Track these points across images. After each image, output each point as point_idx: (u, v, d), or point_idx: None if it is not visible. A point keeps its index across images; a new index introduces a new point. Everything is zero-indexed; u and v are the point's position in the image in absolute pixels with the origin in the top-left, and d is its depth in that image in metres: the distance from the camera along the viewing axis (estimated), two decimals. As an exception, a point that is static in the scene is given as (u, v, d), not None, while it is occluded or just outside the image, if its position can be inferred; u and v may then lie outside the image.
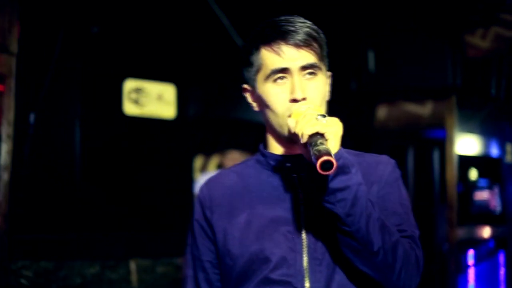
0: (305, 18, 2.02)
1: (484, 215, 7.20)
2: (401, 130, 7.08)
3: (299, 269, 1.94)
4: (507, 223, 7.50)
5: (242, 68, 2.07)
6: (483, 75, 6.83)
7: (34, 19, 4.39)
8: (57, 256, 4.39)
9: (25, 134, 4.25)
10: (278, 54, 1.96)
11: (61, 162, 4.55)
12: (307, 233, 1.96)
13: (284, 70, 1.96)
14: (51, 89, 4.40)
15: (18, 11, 3.92)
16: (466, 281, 6.81)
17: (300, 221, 1.97)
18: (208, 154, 7.44)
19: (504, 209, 7.48)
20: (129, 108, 4.84)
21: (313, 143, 1.78)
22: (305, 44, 1.96)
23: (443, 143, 6.73)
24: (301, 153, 1.87)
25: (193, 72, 5.41)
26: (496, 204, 7.34)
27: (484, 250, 7.20)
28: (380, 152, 2.18)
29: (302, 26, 1.98)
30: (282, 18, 2.00)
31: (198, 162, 7.26)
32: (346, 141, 1.97)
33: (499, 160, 7.65)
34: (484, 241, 7.20)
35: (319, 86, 1.99)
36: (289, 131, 1.90)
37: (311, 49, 1.97)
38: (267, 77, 1.98)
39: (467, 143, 7.02)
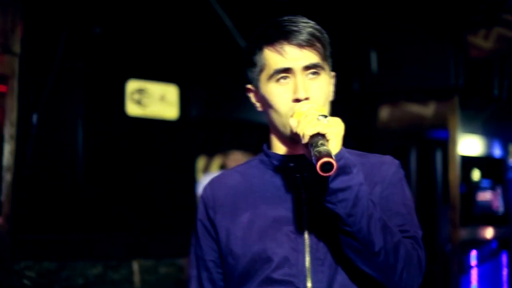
0: (308, 19, 2.02)
1: (486, 215, 7.19)
2: (403, 131, 7.07)
3: (301, 269, 1.94)
4: (510, 224, 7.49)
5: (246, 68, 2.08)
6: (486, 75, 6.82)
7: (37, 20, 4.40)
8: (59, 256, 4.40)
9: (27, 134, 4.25)
10: (281, 54, 1.96)
11: (63, 162, 4.55)
12: (309, 233, 1.96)
13: (287, 70, 1.96)
14: (54, 89, 4.41)
15: (21, 11, 3.93)
16: (469, 282, 6.80)
17: (303, 221, 1.97)
18: (210, 155, 7.45)
19: (507, 209, 7.47)
20: (132, 109, 4.85)
21: (313, 144, 1.78)
22: (308, 44, 1.96)
23: (445, 144, 6.72)
24: (304, 153, 1.87)
25: (196, 73, 5.41)
26: (498, 204, 7.34)
27: (487, 250, 7.19)
28: (382, 152, 2.18)
29: (305, 26, 1.98)
30: (286, 18, 2.00)
31: (200, 162, 7.26)
32: (348, 142, 1.97)
33: (502, 161, 7.65)
34: (487, 241, 7.19)
35: (322, 86, 1.99)
36: (292, 131, 1.91)
37: (314, 49, 1.97)
38: (270, 77, 1.98)
39: (469, 144, 7.01)
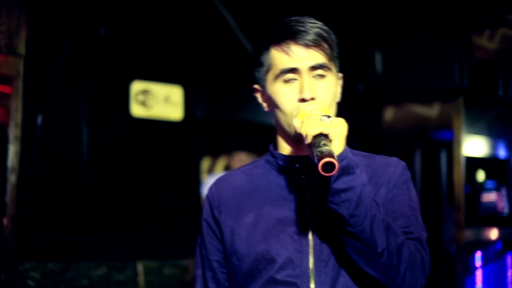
0: (315, 19, 2.02)
1: (491, 216, 7.19)
2: (408, 132, 7.07)
3: (304, 270, 1.94)
4: (515, 225, 7.48)
5: (253, 68, 2.07)
6: (491, 76, 6.81)
7: (42, 21, 4.40)
8: (64, 257, 4.40)
9: (32, 136, 4.26)
10: (287, 54, 1.96)
11: (68, 164, 4.55)
12: (313, 234, 1.96)
13: (293, 70, 1.96)
14: (59, 91, 4.41)
15: (26, 13, 3.93)
16: (473, 283, 6.80)
17: (307, 222, 1.97)
18: (215, 156, 7.45)
19: (512, 210, 7.46)
20: (136, 110, 4.85)
21: (316, 144, 1.78)
22: (314, 44, 1.96)
23: (450, 145, 6.72)
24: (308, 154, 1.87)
25: (200, 74, 5.42)
26: (503, 205, 7.33)
27: (492, 251, 7.18)
28: (387, 153, 2.18)
29: (312, 26, 1.98)
30: (293, 18, 2.00)
31: (205, 163, 7.27)
32: (353, 142, 1.97)
33: (506, 162, 7.64)
34: (492, 242, 7.18)
35: (329, 87, 1.98)
36: (296, 131, 1.90)
37: (321, 49, 1.97)
38: (277, 77, 1.98)
39: (474, 145, 7.01)
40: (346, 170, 1.82)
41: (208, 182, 6.12)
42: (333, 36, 2.02)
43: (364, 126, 7.00)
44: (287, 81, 1.97)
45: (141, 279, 4.72)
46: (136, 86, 4.86)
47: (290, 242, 1.96)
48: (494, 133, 7.38)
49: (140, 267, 4.73)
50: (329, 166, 1.73)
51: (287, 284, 1.94)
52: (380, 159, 2.08)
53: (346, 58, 2.07)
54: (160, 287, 4.84)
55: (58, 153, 4.51)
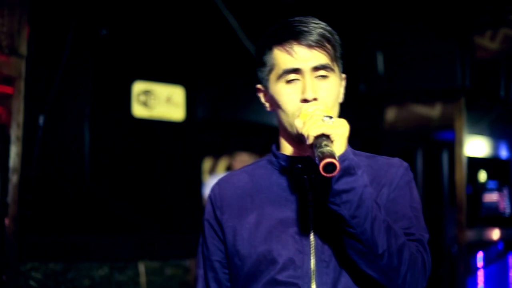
0: (318, 20, 2.02)
1: (493, 217, 7.18)
2: (410, 132, 7.06)
3: (306, 271, 1.94)
4: (517, 225, 7.47)
5: (256, 68, 2.07)
6: (492, 76, 6.81)
7: (44, 22, 4.41)
8: (65, 258, 4.40)
9: (34, 136, 4.26)
10: (290, 54, 1.96)
11: (70, 164, 4.56)
12: (315, 235, 1.96)
13: (296, 71, 1.96)
14: (60, 91, 4.41)
15: (28, 13, 3.93)
16: (475, 284, 6.79)
17: (308, 223, 1.97)
18: (217, 156, 7.45)
19: (514, 211, 7.46)
20: (138, 110, 4.85)
21: (317, 145, 1.77)
22: (317, 44, 1.95)
23: (452, 145, 6.71)
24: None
25: (202, 74, 5.42)
26: (505, 206, 7.32)
27: (494, 252, 7.18)
28: (388, 153, 2.18)
29: (316, 27, 1.97)
30: (296, 19, 2.00)
31: (207, 164, 7.26)
32: (354, 143, 1.97)
33: (508, 162, 7.63)
34: (493, 243, 7.17)
35: (331, 87, 1.98)
36: (298, 131, 1.90)
37: (324, 50, 1.97)
38: (279, 77, 1.98)
39: (476, 145, 7.00)
40: (347, 171, 1.81)
41: (209, 183, 6.12)
42: (336, 37, 2.02)
43: (366, 127, 6.99)
44: (289, 81, 1.97)
45: (142, 279, 4.72)
46: (138, 87, 4.86)
47: (291, 243, 1.96)
48: (496, 133, 7.37)
49: (141, 268, 4.73)
50: (330, 167, 1.73)
51: (288, 284, 1.94)
52: (383, 159, 2.08)
53: (348, 58, 2.07)
54: (162, 287, 4.84)
55: (60, 154, 4.51)
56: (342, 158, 1.80)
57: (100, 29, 4.68)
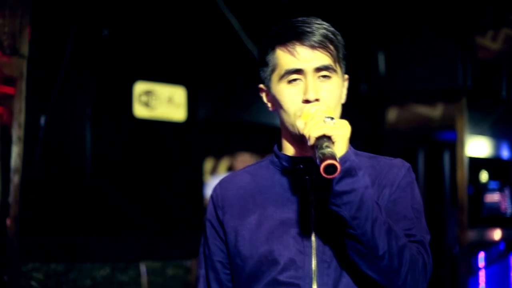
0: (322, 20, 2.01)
1: (494, 217, 7.18)
2: (411, 132, 7.07)
3: (307, 272, 1.94)
4: (518, 226, 7.47)
5: (258, 68, 2.07)
6: (494, 76, 6.81)
7: (45, 22, 4.41)
8: (67, 258, 4.41)
9: (35, 136, 4.26)
10: (292, 54, 1.96)
11: (71, 164, 4.56)
12: (316, 235, 1.96)
13: (298, 71, 1.96)
14: (62, 91, 4.42)
15: (29, 14, 3.93)
16: (477, 284, 6.79)
17: (310, 224, 1.97)
18: (218, 157, 7.46)
19: (515, 211, 7.46)
20: (140, 111, 4.85)
21: (318, 146, 1.77)
22: (320, 45, 1.95)
23: (453, 145, 6.72)
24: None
25: (203, 75, 5.42)
26: (506, 206, 7.32)
27: (495, 252, 7.18)
28: (390, 154, 2.18)
29: (319, 27, 1.97)
30: (299, 19, 2.00)
31: (208, 164, 7.27)
32: (356, 143, 1.96)
33: (509, 162, 7.63)
34: (495, 243, 7.17)
35: (333, 88, 1.98)
36: (299, 132, 1.90)
37: (327, 51, 1.96)
38: (281, 77, 1.98)
39: (477, 145, 7.01)
40: (348, 172, 1.81)
41: (211, 183, 6.12)
42: (339, 38, 2.02)
43: (367, 127, 6.99)
44: (291, 82, 1.97)
45: (144, 279, 4.73)
46: (139, 87, 4.86)
47: (292, 244, 1.96)
48: (497, 133, 7.38)
49: (143, 268, 4.74)
50: (330, 169, 1.72)
51: (289, 285, 1.94)
52: (385, 160, 2.07)
53: (349, 59, 2.07)
54: (163, 287, 4.84)
55: (61, 154, 4.51)
56: (343, 159, 1.80)
57: (101, 29, 4.69)
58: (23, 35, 3.90)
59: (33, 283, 4.21)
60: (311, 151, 1.84)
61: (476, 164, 7.01)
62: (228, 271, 2.09)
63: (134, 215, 4.79)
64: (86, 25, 4.60)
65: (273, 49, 2.01)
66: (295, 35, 1.96)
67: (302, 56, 1.95)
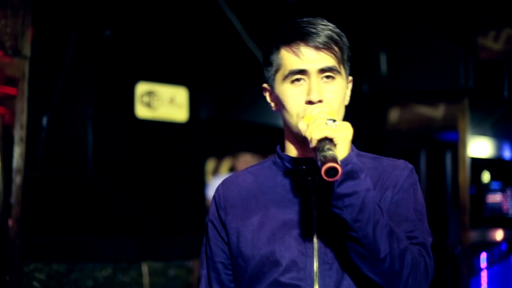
0: (327, 21, 2.01)
1: (496, 218, 7.18)
2: (413, 133, 7.06)
3: (309, 273, 1.94)
4: (520, 226, 7.47)
5: (263, 67, 2.07)
6: (496, 77, 6.81)
7: (47, 23, 4.41)
8: (69, 258, 4.41)
9: (37, 137, 4.27)
10: (297, 55, 1.96)
11: (73, 165, 4.56)
12: (318, 237, 1.95)
13: (302, 72, 1.95)
14: (64, 92, 4.42)
15: (31, 14, 3.94)
16: (479, 284, 6.79)
17: (312, 225, 1.97)
18: (220, 157, 7.46)
19: (517, 211, 7.45)
20: (141, 111, 4.85)
21: (320, 148, 1.77)
22: (325, 46, 1.95)
23: (455, 146, 6.72)
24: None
25: (205, 75, 5.42)
26: (508, 206, 7.32)
27: (497, 253, 7.17)
28: (392, 154, 2.18)
29: (324, 28, 1.97)
30: (305, 19, 1.99)
31: (210, 165, 7.27)
32: (358, 144, 1.96)
33: (511, 163, 7.63)
34: (497, 244, 7.17)
35: (337, 90, 1.98)
36: (301, 134, 1.90)
37: (331, 52, 1.96)
38: (285, 77, 1.98)
39: (479, 146, 7.00)
40: (350, 175, 1.81)
41: (213, 183, 6.13)
42: (344, 39, 2.01)
43: (369, 127, 6.99)
44: (295, 82, 1.97)
45: (145, 280, 4.73)
46: (141, 88, 4.86)
47: (294, 245, 1.95)
48: (499, 134, 7.37)
49: (145, 268, 4.74)
50: (332, 171, 1.72)
51: (291, 286, 1.93)
52: (387, 161, 2.07)
53: (351, 59, 2.07)
54: (165, 288, 4.85)
55: (63, 154, 4.52)
56: (345, 162, 1.80)
57: (103, 30, 4.69)
58: (25, 35, 3.90)
59: (35, 283, 4.22)
60: (313, 153, 1.83)
61: (478, 164, 7.01)
62: (229, 272, 2.09)
63: (136, 216, 4.79)
64: (88, 26, 4.60)
65: (277, 49, 2.00)
66: (300, 35, 1.96)
67: (307, 57, 1.95)
